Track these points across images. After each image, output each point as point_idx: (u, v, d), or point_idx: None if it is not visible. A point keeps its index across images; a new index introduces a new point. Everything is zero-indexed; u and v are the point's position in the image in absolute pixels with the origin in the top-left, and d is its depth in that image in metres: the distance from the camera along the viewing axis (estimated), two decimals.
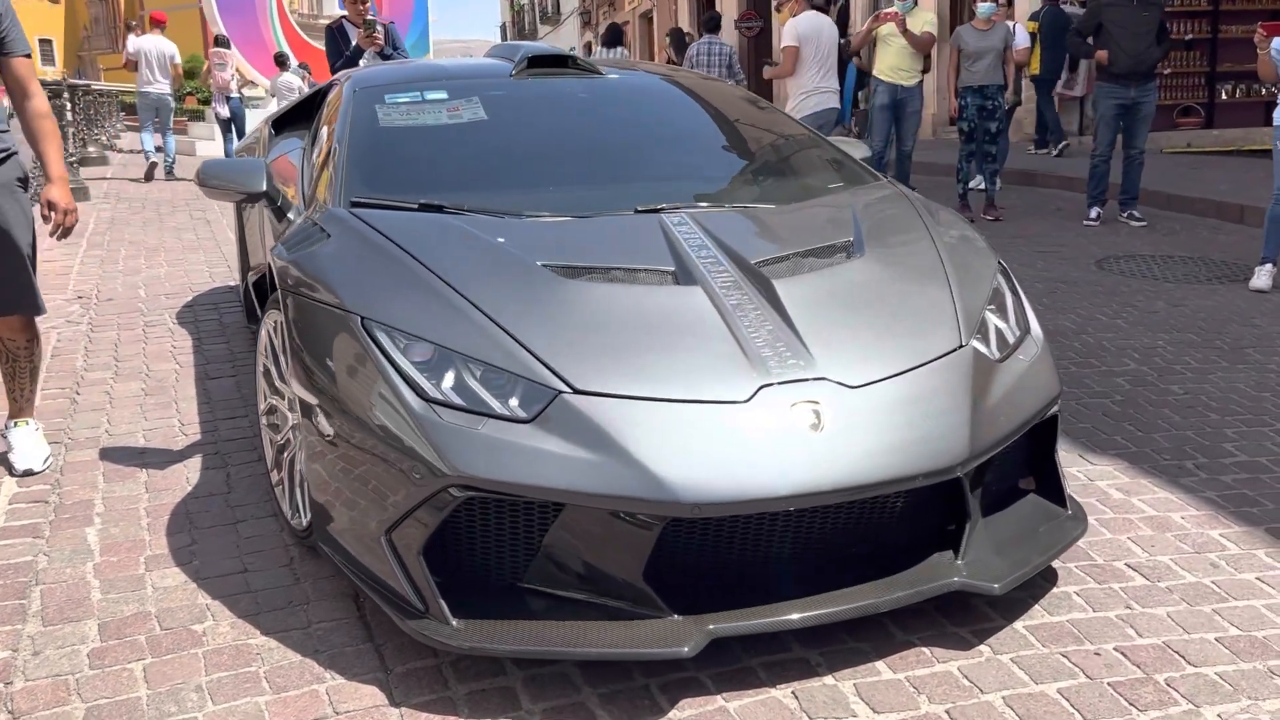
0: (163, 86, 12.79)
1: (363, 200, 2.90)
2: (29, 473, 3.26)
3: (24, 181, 3.19)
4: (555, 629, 2.13)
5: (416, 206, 2.86)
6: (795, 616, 2.18)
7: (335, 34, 6.38)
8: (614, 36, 13.55)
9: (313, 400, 2.43)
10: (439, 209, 2.84)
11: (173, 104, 13.10)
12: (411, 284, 2.46)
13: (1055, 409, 2.62)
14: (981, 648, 2.33)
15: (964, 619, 2.45)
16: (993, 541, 2.47)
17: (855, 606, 2.23)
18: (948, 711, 2.11)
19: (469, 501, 2.16)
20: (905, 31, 8.12)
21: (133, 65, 12.93)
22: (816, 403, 2.26)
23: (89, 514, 3.00)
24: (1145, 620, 2.45)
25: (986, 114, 8.31)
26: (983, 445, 2.34)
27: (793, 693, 2.17)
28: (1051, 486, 2.68)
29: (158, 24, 12.89)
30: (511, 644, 2.09)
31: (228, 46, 14.77)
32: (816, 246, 2.80)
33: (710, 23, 10.04)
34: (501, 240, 2.64)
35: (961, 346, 2.51)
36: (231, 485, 3.20)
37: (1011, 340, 2.65)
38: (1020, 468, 2.74)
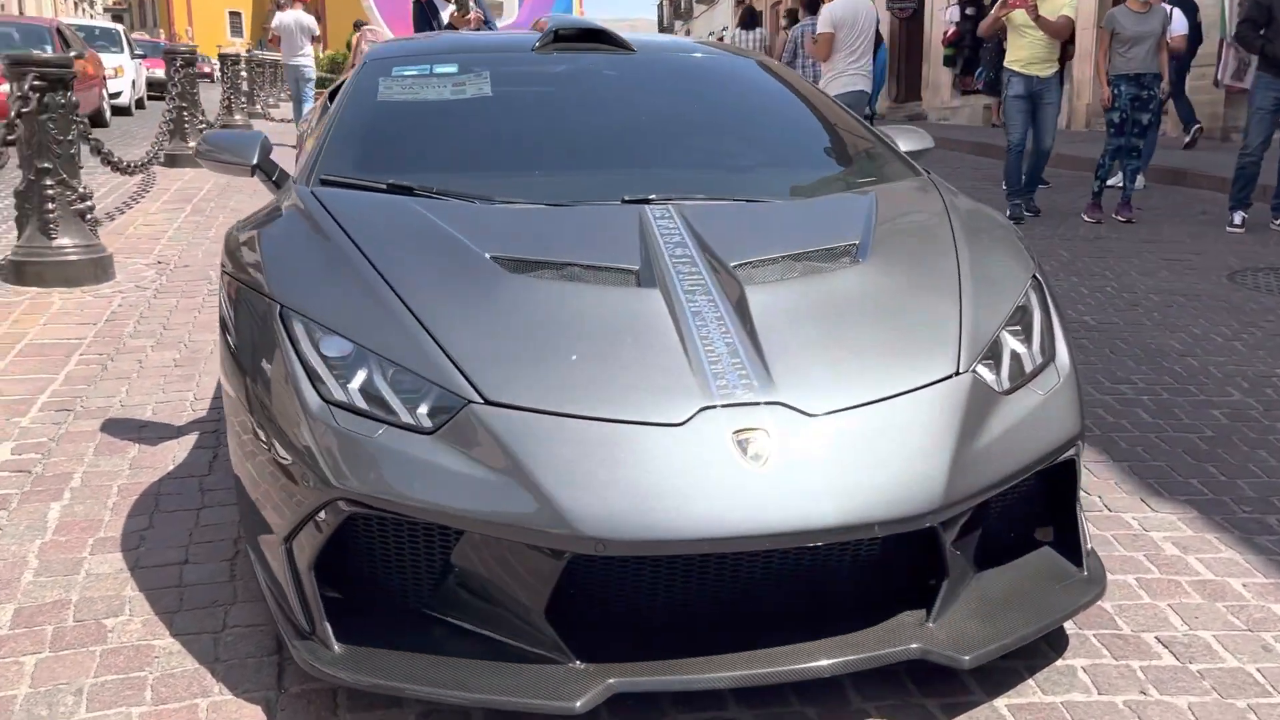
0: (303, 58, 13.18)
1: (333, 179, 2.73)
2: None
3: None
4: (442, 667, 1.91)
5: (385, 187, 2.67)
6: (718, 676, 1.90)
7: (424, 8, 6.29)
8: (750, 19, 13.23)
9: (232, 391, 2.27)
10: (409, 191, 2.65)
11: (311, 75, 13.46)
12: (343, 273, 2.27)
13: (1072, 452, 2.24)
14: None
15: (936, 688, 2.11)
16: (979, 602, 2.13)
17: (791, 669, 1.93)
18: None
19: (367, 516, 1.97)
20: (1038, 18, 7.50)
21: (277, 40, 13.38)
22: (764, 431, 1.97)
23: (62, 488, 2.94)
24: (1159, 712, 2.06)
25: (1140, 105, 7.61)
26: (964, 492, 1.99)
27: None
28: (1069, 540, 2.31)
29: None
30: (385, 679, 1.88)
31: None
32: (814, 249, 2.48)
33: (810, 5, 9.82)
34: (455, 229, 2.42)
35: (957, 374, 2.16)
36: (214, 468, 3.11)
37: (1029, 368, 2.28)
38: (1034, 516, 2.37)
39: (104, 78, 15.89)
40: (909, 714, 2.04)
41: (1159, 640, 2.31)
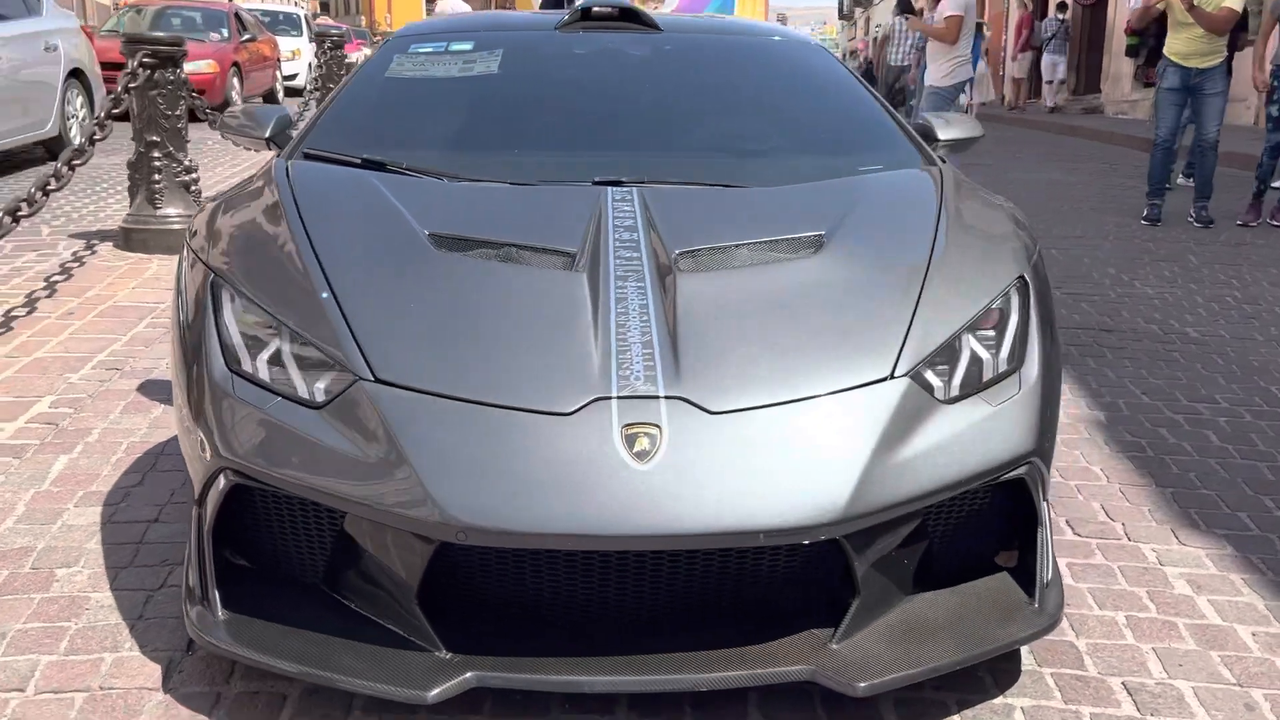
0: None
1: (315, 152, 2.75)
2: None
3: None
4: (314, 644, 1.89)
5: (359, 162, 2.67)
6: (582, 679, 1.81)
7: None
8: (907, 4, 12.83)
9: (171, 356, 2.32)
10: (381, 166, 2.64)
11: None
12: (280, 247, 2.28)
13: (1022, 471, 2.02)
14: None
15: (851, 713, 1.96)
16: (903, 626, 1.96)
17: (666, 679, 1.82)
18: None
19: (261, 488, 1.97)
20: (1193, 8, 6.90)
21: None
22: (656, 427, 1.86)
23: (76, 442, 3.09)
24: None
25: None
26: (873, 505, 1.83)
27: None
28: (1030, 567, 2.10)
29: None
30: (254, 650, 1.87)
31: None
32: (776, 238, 2.34)
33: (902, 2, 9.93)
34: (405, 206, 2.39)
35: (890, 378, 1.99)
36: None
37: (988, 375, 2.08)
38: (995, 538, 2.17)
39: (279, 60, 16.78)
40: None
41: (1125, 687, 2.08)
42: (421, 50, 3.22)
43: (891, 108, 3.19)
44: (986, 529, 2.14)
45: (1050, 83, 20.51)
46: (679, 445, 1.84)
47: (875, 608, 1.95)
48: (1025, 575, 2.09)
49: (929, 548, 2.07)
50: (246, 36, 14.66)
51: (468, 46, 3.19)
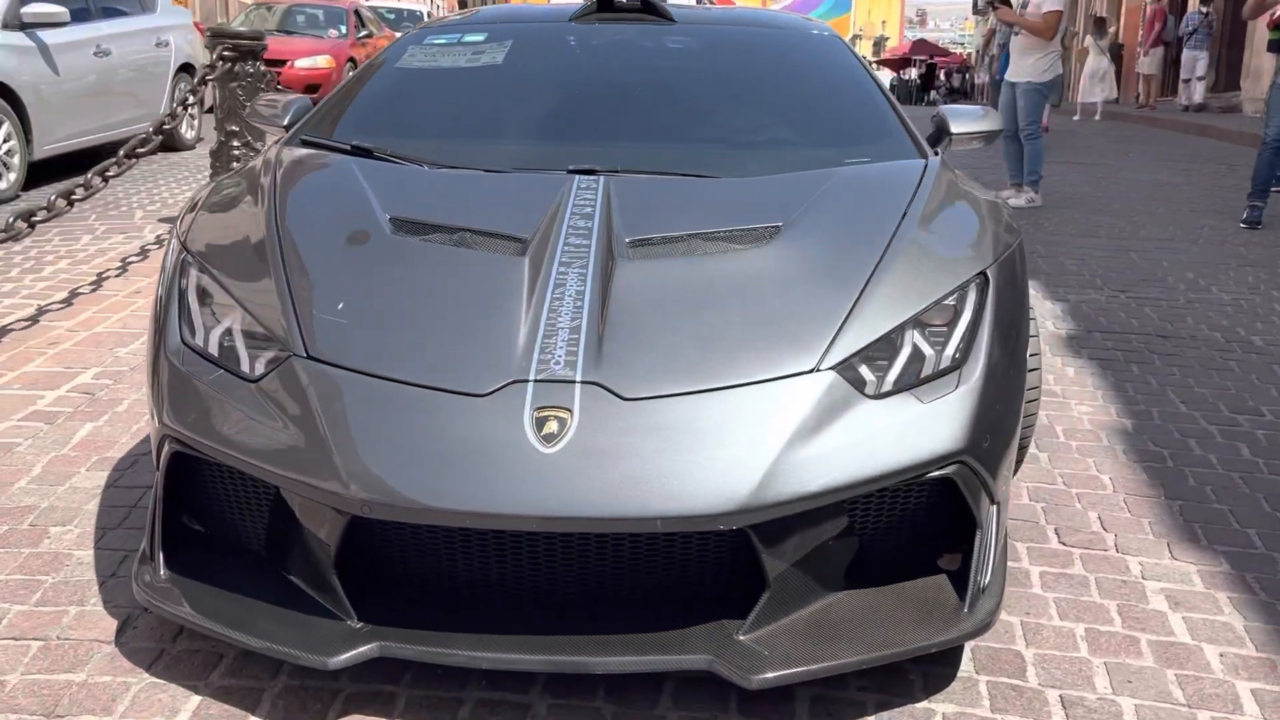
0: None
1: (310, 139, 2.85)
2: None
3: None
4: (241, 609, 1.97)
5: (349, 149, 2.76)
6: (488, 656, 1.85)
7: None
8: None
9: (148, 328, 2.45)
10: (367, 152, 2.72)
11: None
12: (248, 225, 2.38)
13: (950, 471, 1.96)
14: None
15: (762, 706, 1.94)
16: (818, 622, 1.93)
17: (561, 659, 1.84)
18: None
19: (199, 456, 2.06)
20: None
21: None
22: (567, 411, 1.88)
23: (105, 412, 3.28)
24: None
25: None
26: (780, 497, 1.81)
27: None
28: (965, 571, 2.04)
29: None
30: (181, 611, 1.96)
31: None
32: (734, 229, 2.32)
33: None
34: (373, 190, 2.47)
35: (814, 371, 1.96)
36: None
37: (926, 372, 2.03)
38: (938, 540, 2.11)
39: None
40: None
41: (1062, 700, 2.00)
42: (435, 42, 3.31)
43: (894, 100, 3.12)
44: (926, 531, 2.09)
45: (1188, 80, 19.56)
46: (588, 430, 1.86)
47: (790, 602, 1.93)
48: (963, 580, 2.03)
49: (862, 546, 2.03)
50: (364, 33, 15.15)
51: (480, 38, 3.26)
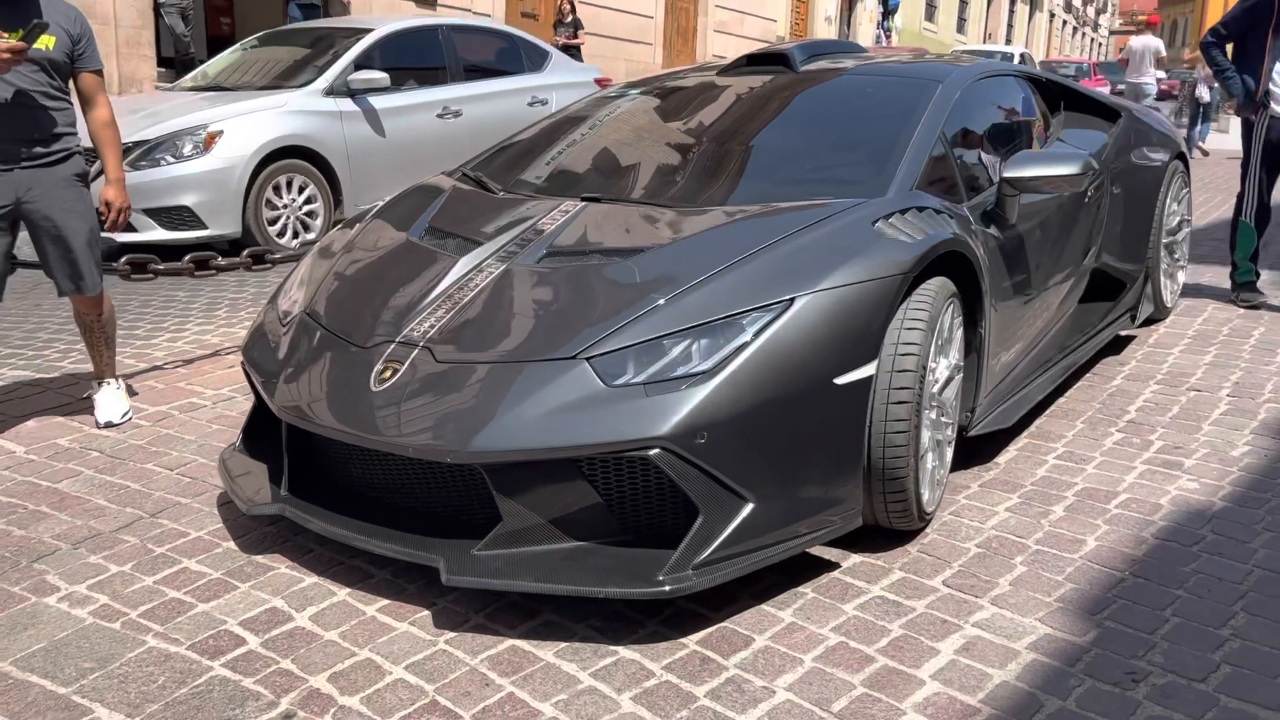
0: (1145, 79, 14.86)
1: (468, 172, 3.76)
2: (109, 425, 3.72)
3: (82, 177, 3.59)
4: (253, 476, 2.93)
5: (476, 180, 3.64)
6: (341, 533, 2.57)
7: None
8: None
9: None
10: (478, 182, 3.62)
11: (1150, 91, 14.87)
12: (354, 225, 3.45)
13: (650, 453, 2.33)
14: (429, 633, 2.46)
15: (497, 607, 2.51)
16: (529, 555, 2.42)
17: (354, 537, 2.55)
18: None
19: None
20: None
21: (1125, 62, 15.12)
22: (401, 365, 2.61)
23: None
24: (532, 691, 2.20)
25: None
26: (494, 447, 2.37)
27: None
28: (692, 543, 2.38)
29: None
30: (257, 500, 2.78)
31: None
32: (630, 247, 2.89)
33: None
34: (438, 207, 3.35)
35: (569, 359, 2.47)
36: None
37: (676, 373, 2.40)
38: (680, 516, 2.46)
39: None
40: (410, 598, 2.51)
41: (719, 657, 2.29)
42: (611, 94, 4.16)
43: (939, 144, 3.35)
44: (672, 507, 2.46)
45: None
46: (405, 380, 2.57)
47: (523, 536, 2.44)
48: (690, 549, 2.37)
49: (609, 507, 2.45)
50: None
51: (638, 90, 4.07)
